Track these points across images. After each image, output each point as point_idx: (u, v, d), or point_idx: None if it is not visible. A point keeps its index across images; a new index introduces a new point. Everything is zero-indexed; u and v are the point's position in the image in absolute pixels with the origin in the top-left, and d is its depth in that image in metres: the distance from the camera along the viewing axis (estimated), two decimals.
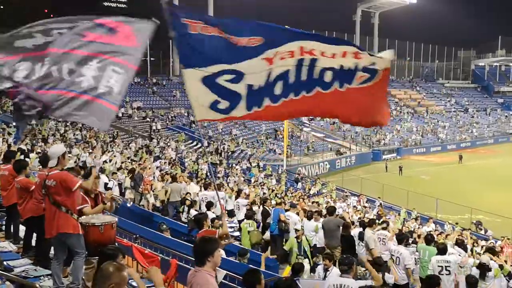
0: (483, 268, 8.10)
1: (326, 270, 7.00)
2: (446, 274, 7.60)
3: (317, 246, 10.04)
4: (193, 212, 11.38)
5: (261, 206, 12.42)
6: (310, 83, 4.51)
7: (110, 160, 18.34)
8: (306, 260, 9.09)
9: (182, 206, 12.51)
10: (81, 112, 4.41)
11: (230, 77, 4.40)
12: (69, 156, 15.00)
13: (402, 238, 8.96)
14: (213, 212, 10.48)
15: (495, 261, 8.73)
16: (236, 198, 13.84)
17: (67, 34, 4.73)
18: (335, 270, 6.80)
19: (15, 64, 4.49)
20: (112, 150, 21.92)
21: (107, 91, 4.39)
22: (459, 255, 9.13)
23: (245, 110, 4.54)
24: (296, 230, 10.31)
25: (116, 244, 6.00)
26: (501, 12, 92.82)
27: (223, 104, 4.51)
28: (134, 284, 5.85)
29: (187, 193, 13.22)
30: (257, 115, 4.68)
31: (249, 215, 11.35)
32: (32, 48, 4.61)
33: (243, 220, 12.35)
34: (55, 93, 4.44)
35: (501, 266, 8.55)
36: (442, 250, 8.06)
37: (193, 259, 3.97)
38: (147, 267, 3.79)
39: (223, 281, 6.32)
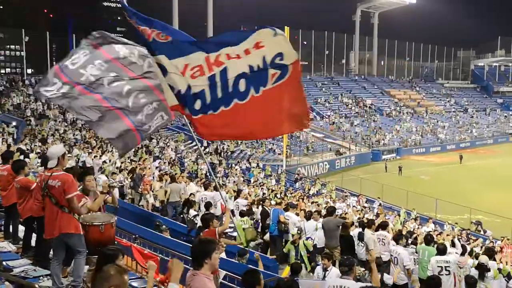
0: (482, 269, 8.10)
1: (325, 270, 6.99)
2: (446, 275, 7.57)
3: (317, 246, 10.03)
4: (192, 212, 11.37)
5: (260, 207, 12.39)
6: (227, 98, 4.57)
7: (110, 160, 18.35)
8: (303, 265, 9.09)
9: (185, 207, 12.44)
10: (107, 129, 4.72)
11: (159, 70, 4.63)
12: (69, 156, 15.00)
13: (399, 238, 8.93)
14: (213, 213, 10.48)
15: (499, 262, 8.71)
16: (236, 198, 13.84)
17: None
18: (334, 270, 6.79)
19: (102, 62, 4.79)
20: (112, 150, 21.91)
21: (145, 128, 4.77)
22: (456, 252, 9.12)
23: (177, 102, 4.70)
24: (292, 235, 10.29)
25: (116, 243, 6.00)
26: (500, 12, 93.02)
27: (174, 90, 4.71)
28: (134, 284, 5.86)
29: (191, 194, 13.18)
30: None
31: (243, 212, 11.44)
32: (123, 60, 4.84)
33: None
34: (101, 103, 4.70)
35: (499, 270, 8.56)
36: (442, 251, 8.05)
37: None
38: (171, 261, 3.79)
39: (223, 281, 6.34)
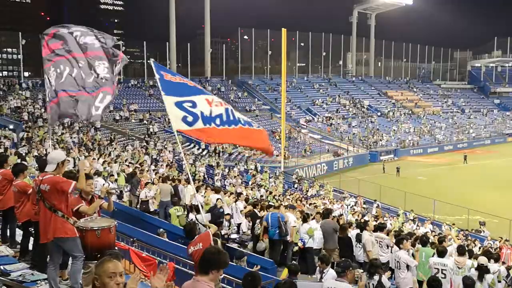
0: (482, 270, 8.09)
1: (321, 272, 7.00)
2: (442, 278, 7.50)
3: (314, 248, 10.01)
4: (189, 215, 11.36)
5: (262, 210, 12.22)
6: (231, 122, 7.05)
7: (109, 163, 18.29)
8: None
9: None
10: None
11: (189, 104, 6.83)
12: (68, 160, 14.93)
13: (400, 241, 8.87)
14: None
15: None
16: (235, 201, 13.77)
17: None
18: (330, 272, 6.80)
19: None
20: (114, 153, 21.85)
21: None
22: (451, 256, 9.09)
23: (202, 125, 6.76)
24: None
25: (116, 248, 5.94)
26: (497, 13, 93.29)
27: (189, 118, 6.72)
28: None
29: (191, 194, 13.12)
30: (205, 132, 6.89)
31: (175, 202, 13.03)
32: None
33: (240, 223, 12.36)
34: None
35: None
36: (441, 253, 8.03)
37: (189, 261, 3.86)
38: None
39: (220, 284, 6.32)
